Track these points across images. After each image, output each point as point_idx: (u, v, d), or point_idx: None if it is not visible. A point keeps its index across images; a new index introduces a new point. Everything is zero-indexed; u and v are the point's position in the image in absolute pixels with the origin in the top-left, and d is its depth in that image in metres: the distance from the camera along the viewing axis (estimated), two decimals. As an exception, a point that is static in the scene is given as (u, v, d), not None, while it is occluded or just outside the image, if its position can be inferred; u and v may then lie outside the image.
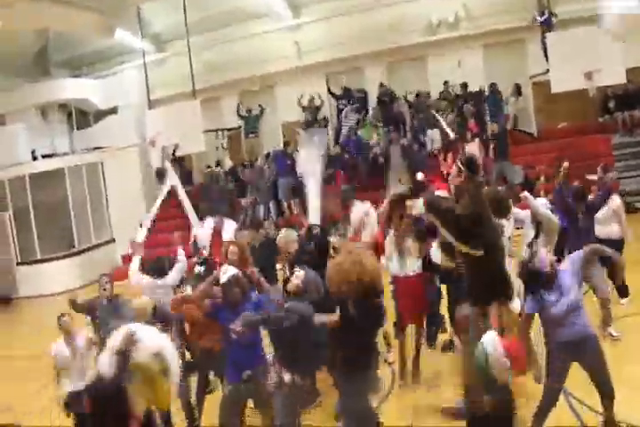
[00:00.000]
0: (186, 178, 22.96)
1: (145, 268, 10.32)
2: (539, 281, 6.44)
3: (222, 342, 7.27)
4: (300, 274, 7.02)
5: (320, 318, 6.74)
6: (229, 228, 13.57)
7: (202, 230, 14.15)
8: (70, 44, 24.63)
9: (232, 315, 6.85)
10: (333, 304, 6.67)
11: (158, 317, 7.81)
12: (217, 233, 13.29)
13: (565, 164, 11.07)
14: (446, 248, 7.29)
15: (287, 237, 9.30)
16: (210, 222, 13.88)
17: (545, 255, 6.51)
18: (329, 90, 22.47)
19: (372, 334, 6.64)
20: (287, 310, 6.53)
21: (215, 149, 24.07)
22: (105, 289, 9.10)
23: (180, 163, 23.04)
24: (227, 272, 7.11)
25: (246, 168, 22.74)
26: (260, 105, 24.03)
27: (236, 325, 6.74)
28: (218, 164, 23.68)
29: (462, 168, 6.96)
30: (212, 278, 7.34)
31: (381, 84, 22.47)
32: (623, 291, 10.31)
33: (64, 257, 21.83)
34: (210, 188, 22.17)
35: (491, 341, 5.35)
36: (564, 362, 6.47)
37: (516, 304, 6.93)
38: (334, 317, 6.64)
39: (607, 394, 6.42)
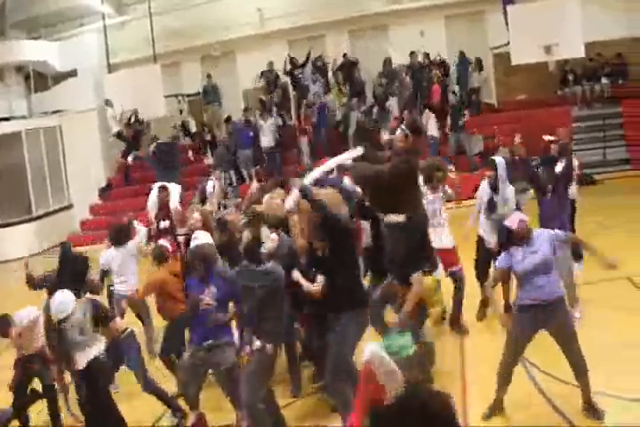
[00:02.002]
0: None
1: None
2: (509, 238, 6.60)
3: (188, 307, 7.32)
4: (274, 237, 7.08)
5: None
6: (175, 194, 13.35)
7: (149, 202, 13.88)
8: (28, 3, 24.20)
9: (199, 284, 6.93)
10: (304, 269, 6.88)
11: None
12: (164, 205, 12.92)
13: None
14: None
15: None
16: (155, 191, 13.56)
17: (516, 216, 6.67)
18: (288, 62, 22.32)
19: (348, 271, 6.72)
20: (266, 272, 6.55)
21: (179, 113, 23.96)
22: None
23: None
24: (197, 239, 7.09)
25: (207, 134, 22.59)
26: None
27: (205, 297, 6.82)
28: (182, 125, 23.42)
29: (408, 133, 7.09)
30: None
31: (344, 55, 22.39)
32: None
33: (21, 222, 21.59)
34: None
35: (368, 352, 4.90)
36: (525, 328, 6.56)
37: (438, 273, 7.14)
38: (316, 287, 6.81)
39: (577, 368, 6.51)
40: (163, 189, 13.13)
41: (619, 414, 6.44)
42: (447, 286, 8.64)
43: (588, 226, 11.56)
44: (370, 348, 4.89)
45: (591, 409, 6.50)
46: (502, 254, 6.77)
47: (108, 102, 21.79)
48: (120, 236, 10.02)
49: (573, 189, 10.59)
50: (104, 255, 10.04)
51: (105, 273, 10.19)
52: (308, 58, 22.11)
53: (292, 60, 22.36)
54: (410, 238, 6.85)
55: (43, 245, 20.78)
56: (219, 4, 23.46)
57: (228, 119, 22.21)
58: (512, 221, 6.57)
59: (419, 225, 6.96)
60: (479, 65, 21.30)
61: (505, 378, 6.75)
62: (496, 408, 6.82)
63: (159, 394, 7.74)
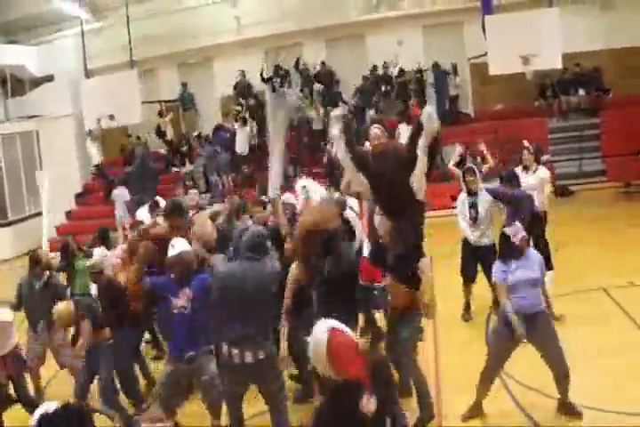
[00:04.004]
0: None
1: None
2: (511, 250, 6.84)
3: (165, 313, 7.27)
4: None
5: None
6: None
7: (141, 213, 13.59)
8: (5, 7, 24.08)
9: (175, 287, 6.90)
10: None
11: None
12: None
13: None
14: None
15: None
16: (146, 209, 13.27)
17: (520, 228, 6.80)
18: (261, 74, 22.35)
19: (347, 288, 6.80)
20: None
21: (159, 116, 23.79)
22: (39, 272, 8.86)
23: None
24: (175, 246, 7.04)
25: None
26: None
27: (180, 301, 6.78)
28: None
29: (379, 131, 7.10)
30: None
31: (323, 63, 22.46)
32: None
33: (-4, 227, 21.40)
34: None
35: (320, 331, 4.83)
36: (508, 335, 6.72)
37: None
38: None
39: (560, 372, 6.69)
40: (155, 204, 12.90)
41: (591, 424, 6.58)
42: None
43: (563, 237, 11.64)
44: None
45: (568, 409, 6.73)
46: (498, 265, 6.99)
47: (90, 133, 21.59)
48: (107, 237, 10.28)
49: (545, 201, 10.69)
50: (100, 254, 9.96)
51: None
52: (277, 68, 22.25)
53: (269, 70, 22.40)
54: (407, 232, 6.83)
55: (18, 251, 20.59)
56: (196, 11, 23.49)
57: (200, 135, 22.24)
58: (516, 233, 6.76)
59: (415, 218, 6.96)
60: (454, 70, 21.51)
61: (486, 383, 7.00)
62: (476, 411, 7.06)
63: (119, 412, 7.54)
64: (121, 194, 18.77)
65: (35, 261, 8.86)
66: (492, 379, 7.03)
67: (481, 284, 9.72)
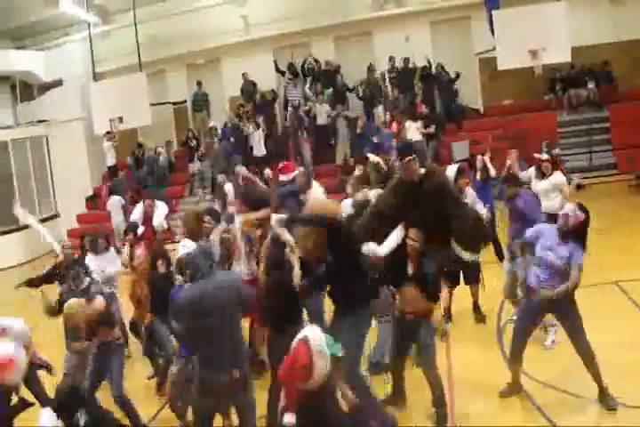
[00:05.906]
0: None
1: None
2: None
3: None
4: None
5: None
6: (161, 212, 13.04)
7: (133, 215, 13.53)
8: (13, 13, 24.07)
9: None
10: None
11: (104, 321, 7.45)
12: (147, 219, 12.57)
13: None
14: None
15: None
16: (140, 207, 13.26)
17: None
18: (276, 66, 22.34)
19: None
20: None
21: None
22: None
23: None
24: (185, 247, 7.00)
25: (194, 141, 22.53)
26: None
27: None
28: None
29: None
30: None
31: (327, 62, 22.37)
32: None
33: (7, 232, 21.34)
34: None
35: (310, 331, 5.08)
36: (532, 309, 7.05)
37: None
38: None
39: (583, 355, 6.83)
40: (148, 202, 12.91)
41: (596, 417, 6.67)
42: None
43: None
44: (313, 329, 5.08)
45: (603, 397, 6.79)
46: (534, 227, 7.25)
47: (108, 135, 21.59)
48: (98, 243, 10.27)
49: (565, 204, 10.66)
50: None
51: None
52: (290, 65, 22.21)
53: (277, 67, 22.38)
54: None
55: (29, 256, 20.63)
56: (203, 11, 23.42)
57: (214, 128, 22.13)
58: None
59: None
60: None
61: (515, 359, 7.22)
62: (513, 389, 7.26)
63: (129, 410, 7.41)
64: (114, 203, 18.84)
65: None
66: (519, 351, 7.16)
67: (488, 286, 9.77)
